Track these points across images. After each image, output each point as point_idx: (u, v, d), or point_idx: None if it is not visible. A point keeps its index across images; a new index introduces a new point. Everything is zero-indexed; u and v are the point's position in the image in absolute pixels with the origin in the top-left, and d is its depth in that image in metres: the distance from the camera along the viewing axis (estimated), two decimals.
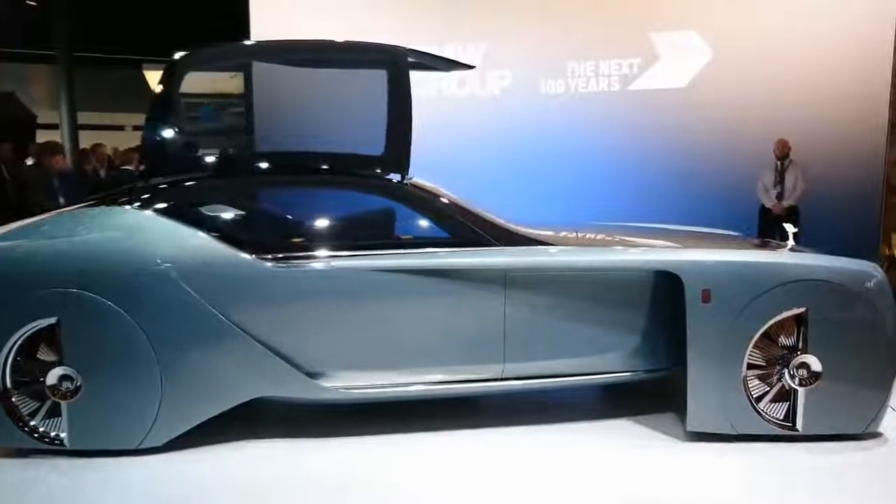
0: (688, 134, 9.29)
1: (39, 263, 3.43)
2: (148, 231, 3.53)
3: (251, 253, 3.54)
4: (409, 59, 4.37)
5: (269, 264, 3.55)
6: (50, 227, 3.69)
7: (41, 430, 3.50)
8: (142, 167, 4.21)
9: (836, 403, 3.60)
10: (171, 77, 3.91)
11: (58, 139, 11.66)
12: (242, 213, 3.98)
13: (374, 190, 3.95)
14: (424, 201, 3.86)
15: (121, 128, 17.82)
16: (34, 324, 3.41)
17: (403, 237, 3.94)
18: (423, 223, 3.86)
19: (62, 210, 3.98)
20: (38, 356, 3.49)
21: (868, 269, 3.63)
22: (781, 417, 3.68)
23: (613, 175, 9.51)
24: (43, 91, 16.61)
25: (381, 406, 4.02)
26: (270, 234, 3.88)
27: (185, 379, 3.45)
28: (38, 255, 3.47)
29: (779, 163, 8.17)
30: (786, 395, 3.66)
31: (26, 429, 3.48)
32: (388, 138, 3.86)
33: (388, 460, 3.55)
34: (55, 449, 3.47)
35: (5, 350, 3.41)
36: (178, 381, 3.44)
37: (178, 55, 3.96)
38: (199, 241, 3.53)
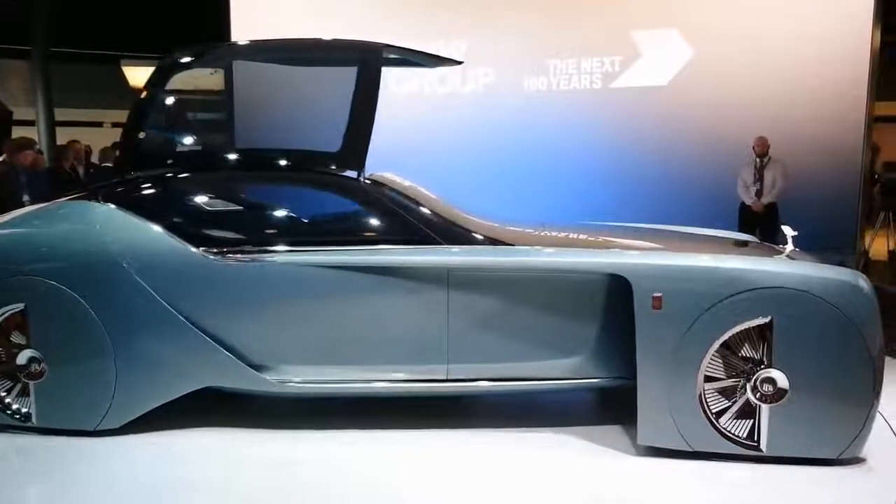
0: (669, 131, 9.35)
1: (11, 252, 3.68)
2: (107, 224, 3.70)
3: (199, 247, 3.66)
4: (392, 56, 4.38)
5: (215, 258, 3.64)
6: (26, 219, 3.90)
7: (9, 403, 3.74)
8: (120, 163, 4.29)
9: (806, 424, 3.27)
10: (165, 76, 4.10)
11: (33, 136, 11.50)
12: (195, 207, 4.03)
13: (326, 186, 3.93)
14: (374, 198, 3.81)
15: (99, 124, 17.62)
16: (6, 308, 3.64)
17: (351, 233, 3.85)
18: (373, 220, 3.81)
19: (43, 204, 4.08)
20: (11, 338, 3.70)
21: (846, 279, 3.28)
22: (745, 436, 3.37)
23: (594, 171, 9.55)
24: (19, 87, 16.38)
25: (361, 402, 4.04)
26: (219, 229, 3.86)
27: (137, 366, 3.61)
28: (10, 244, 3.73)
29: (758, 160, 8.24)
30: (751, 412, 3.36)
31: (2, 405, 3.73)
32: (347, 135, 3.86)
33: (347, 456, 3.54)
34: (25, 426, 3.69)
35: None
36: (131, 367, 3.60)
37: (176, 56, 4.16)
38: (152, 235, 3.67)
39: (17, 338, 3.69)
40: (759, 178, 8.20)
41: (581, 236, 4.21)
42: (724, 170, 8.69)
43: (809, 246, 3.97)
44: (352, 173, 3.90)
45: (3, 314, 3.66)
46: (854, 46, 8.59)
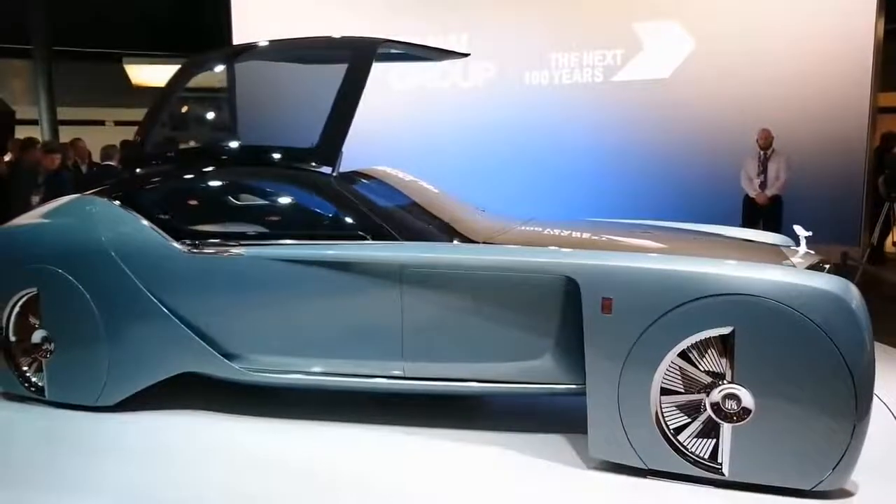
0: (671, 124, 9.33)
1: (28, 242, 4.14)
2: (103, 218, 4.02)
3: (178, 240, 3.87)
4: (396, 51, 4.37)
5: (190, 251, 3.83)
6: (43, 213, 4.32)
7: (28, 377, 4.16)
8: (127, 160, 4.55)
9: (773, 448, 2.94)
10: (188, 76, 4.36)
11: (36, 135, 11.51)
12: (176, 203, 4.22)
13: (294, 182, 4.01)
14: (339, 194, 3.82)
15: (101, 123, 17.62)
16: (25, 291, 4.06)
17: (315, 228, 3.90)
18: (336, 215, 3.82)
19: (60, 199, 4.41)
20: (30, 320, 4.11)
21: (823, 287, 2.89)
22: (707, 457, 3.06)
23: (596, 164, 9.55)
24: (21, 86, 16.38)
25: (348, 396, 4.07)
26: (195, 223, 4.02)
27: (125, 349, 3.89)
28: (28, 235, 4.19)
29: (762, 152, 8.21)
30: (714, 431, 3.05)
31: (22, 379, 4.16)
32: (324, 131, 3.87)
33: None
34: (40, 399, 4.10)
35: (6, 311, 4.10)
36: (120, 350, 3.89)
37: (200, 56, 4.52)
38: (139, 228, 3.94)
39: (33, 319, 4.10)
40: (763, 170, 8.18)
41: (569, 233, 4.06)
42: (727, 162, 8.67)
43: (814, 238, 3.89)
44: (326, 169, 3.91)
45: (21, 297, 4.07)
46: (857, 36, 8.55)
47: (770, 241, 4.20)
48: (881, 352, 4.97)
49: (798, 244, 3.89)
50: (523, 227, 4.13)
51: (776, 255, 3.67)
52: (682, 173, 9.21)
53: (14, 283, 4.08)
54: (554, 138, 9.66)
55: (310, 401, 4.05)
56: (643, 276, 3.10)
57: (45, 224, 4.18)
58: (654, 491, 3.07)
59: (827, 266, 3.50)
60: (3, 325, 4.13)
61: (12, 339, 4.15)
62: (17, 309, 4.11)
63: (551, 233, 4.07)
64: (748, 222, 8.00)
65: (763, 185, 8.16)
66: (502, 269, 3.42)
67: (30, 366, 4.16)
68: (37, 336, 4.06)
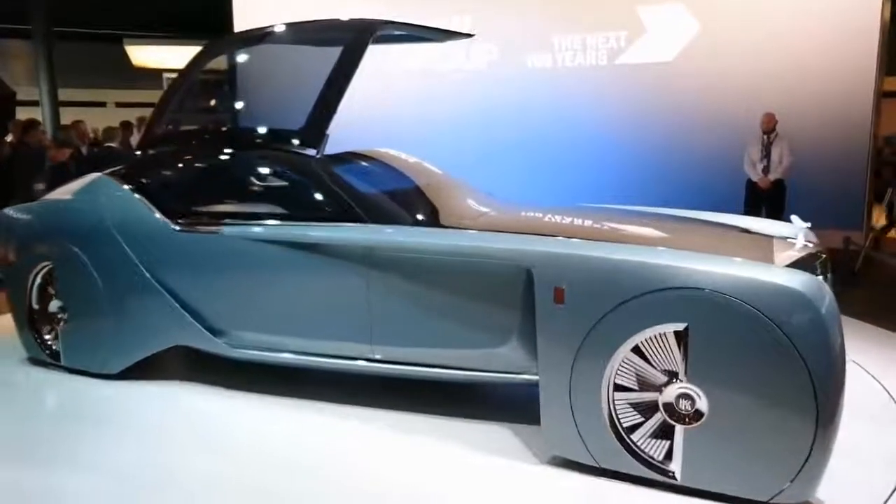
0: (674, 107, 9.28)
1: (46, 218, 4.46)
2: (106, 196, 4.25)
3: (171, 218, 4.02)
4: (399, 33, 4.34)
5: (180, 229, 3.99)
6: (63, 190, 4.58)
7: (49, 343, 4.47)
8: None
9: (726, 454, 2.77)
10: (206, 60, 4.48)
11: (37, 116, 11.48)
12: (170, 183, 4.36)
13: (276, 163, 4.03)
14: (317, 176, 3.82)
15: (102, 104, 17.59)
16: (43, 264, 4.35)
17: (291, 209, 3.86)
18: (312, 197, 3.80)
19: (81, 178, 4.63)
20: (49, 290, 4.41)
21: (792, 286, 2.66)
22: (662, 459, 2.91)
23: (598, 148, 9.51)
24: (22, 67, 16.32)
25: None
26: (185, 203, 4.13)
27: (125, 321, 4.12)
28: (46, 211, 4.52)
29: (765, 136, 8.17)
30: (669, 432, 2.89)
31: (42, 345, 4.48)
32: (311, 113, 3.85)
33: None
34: (57, 364, 4.41)
35: (29, 282, 4.39)
36: (121, 322, 4.13)
37: (219, 40, 4.64)
38: (138, 207, 4.12)
39: (51, 290, 4.39)
40: (766, 154, 8.13)
41: (547, 220, 3.96)
42: (730, 146, 8.62)
43: (818, 223, 3.84)
44: (312, 151, 3.88)
45: (41, 269, 4.36)
46: (862, 20, 8.48)
47: (777, 231, 3.96)
48: (883, 336, 5.00)
49: (805, 233, 3.74)
50: (504, 213, 4.07)
51: (762, 248, 3.46)
52: (685, 157, 9.17)
53: (34, 255, 4.37)
54: (557, 121, 9.62)
55: (300, 379, 4.08)
56: (596, 266, 2.98)
57: (61, 202, 4.47)
58: (613, 490, 2.96)
59: (823, 257, 3.36)
60: (27, 294, 4.41)
61: (35, 307, 4.44)
62: (38, 280, 4.39)
63: (530, 219, 4.01)
64: (750, 207, 7.97)
65: (766, 170, 8.12)
66: (458, 254, 3.35)
67: (49, 333, 4.45)
68: (53, 306, 4.35)
